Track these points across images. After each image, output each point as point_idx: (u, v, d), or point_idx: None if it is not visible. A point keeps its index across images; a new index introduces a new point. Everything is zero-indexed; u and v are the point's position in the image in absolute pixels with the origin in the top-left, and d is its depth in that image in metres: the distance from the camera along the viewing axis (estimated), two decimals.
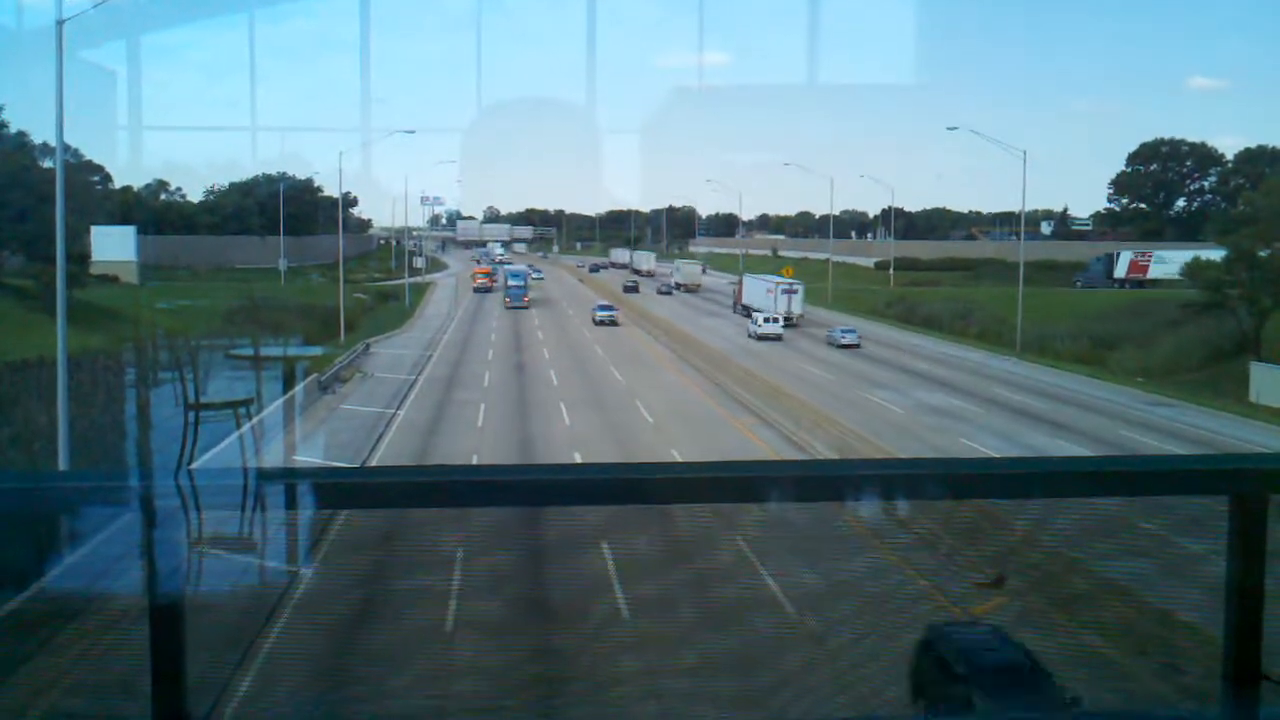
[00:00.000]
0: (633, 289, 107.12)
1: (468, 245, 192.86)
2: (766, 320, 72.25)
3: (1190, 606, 3.85)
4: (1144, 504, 3.33)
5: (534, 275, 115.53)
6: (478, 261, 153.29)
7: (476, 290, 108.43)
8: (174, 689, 2.78)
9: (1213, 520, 3.10)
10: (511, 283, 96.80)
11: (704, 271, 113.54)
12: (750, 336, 70.94)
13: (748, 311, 78.67)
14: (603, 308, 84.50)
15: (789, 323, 74.31)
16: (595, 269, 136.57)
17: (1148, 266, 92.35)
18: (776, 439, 41.58)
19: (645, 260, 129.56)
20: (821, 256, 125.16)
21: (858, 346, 66.99)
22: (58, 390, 29.91)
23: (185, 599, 2.82)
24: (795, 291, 78.95)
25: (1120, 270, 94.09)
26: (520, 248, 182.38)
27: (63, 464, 28.98)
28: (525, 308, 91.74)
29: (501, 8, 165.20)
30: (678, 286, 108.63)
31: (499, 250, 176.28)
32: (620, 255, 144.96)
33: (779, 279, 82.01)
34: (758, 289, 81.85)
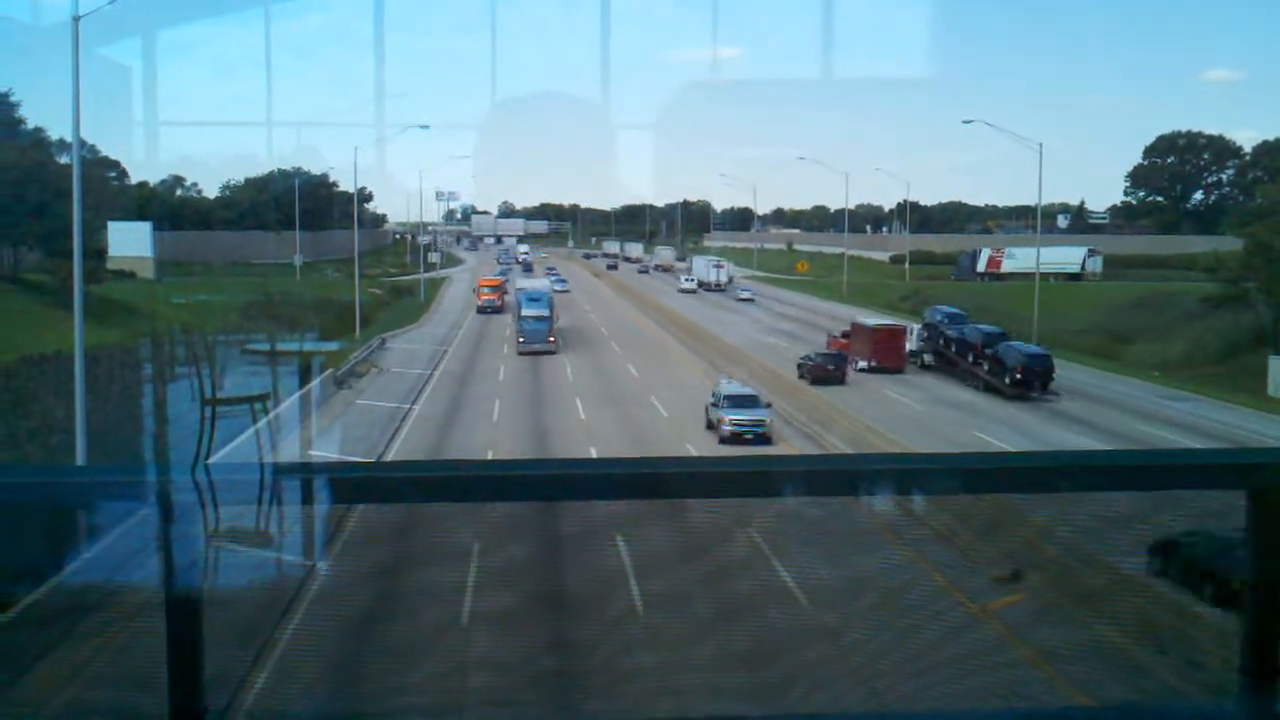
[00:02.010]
0: (614, 268, 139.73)
1: (481, 240, 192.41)
2: (686, 281, 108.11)
3: (1208, 601, 3.84)
4: (1161, 499, 3.32)
5: (558, 287, 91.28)
6: (498, 262, 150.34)
7: (481, 310, 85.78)
8: (191, 682, 2.79)
9: (1230, 515, 3.09)
10: (529, 312, 64.63)
11: (676, 257, 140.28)
12: (679, 291, 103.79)
13: (699, 281, 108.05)
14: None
15: (716, 288, 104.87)
16: (611, 266, 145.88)
17: (1001, 261, 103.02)
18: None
19: (634, 250, 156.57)
20: (837, 251, 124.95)
21: (752, 300, 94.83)
22: (75, 385, 30.03)
23: (202, 593, 2.84)
24: (722, 267, 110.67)
25: (981, 265, 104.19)
26: (523, 247, 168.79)
27: (80, 458, 29.10)
28: (551, 350, 62.43)
29: (515, 3, 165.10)
30: (656, 267, 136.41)
31: (522, 250, 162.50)
32: (611, 247, 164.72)
33: (713, 259, 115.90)
34: (701, 264, 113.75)
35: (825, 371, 50.46)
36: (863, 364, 54.41)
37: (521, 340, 63.37)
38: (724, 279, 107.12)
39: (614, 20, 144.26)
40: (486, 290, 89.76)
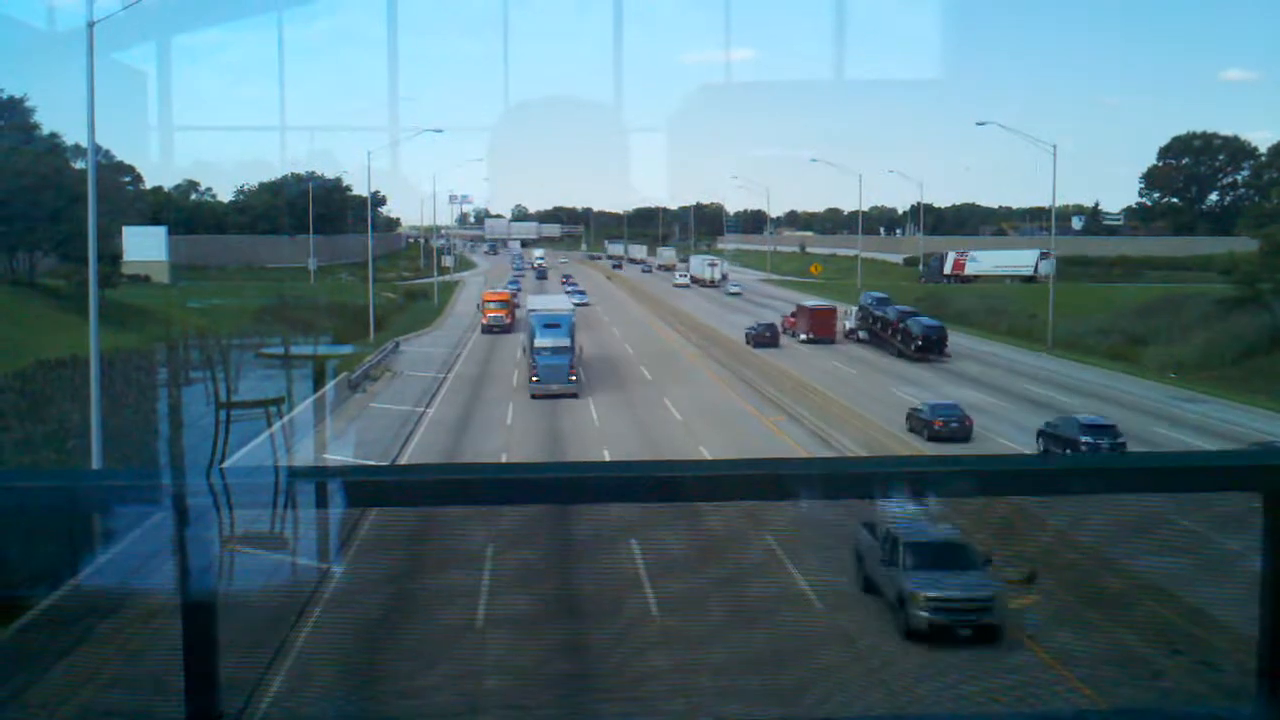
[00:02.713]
0: (618, 266, 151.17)
1: (501, 244, 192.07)
2: (680, 277, 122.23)
3: (1224, 604, 3.82)
4: (1176, 501, 3.30)
5: (577, 298, 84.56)
6: (514, 265, 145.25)
7: (488, 329, 74.41)
8: (207, 686, 2.79)
9: (1247, 517, 3.07)
10: (545, 342, 51.60)
11: (678, 258, 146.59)
12: (674, 285, 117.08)
13: (693, 277, 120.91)
14: None
15: (710, 284, 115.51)
16: (616, 265, 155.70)
17: (965, 264, 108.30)
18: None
19: (638, 252, 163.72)
20: (850, 253, 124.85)
21: (739, 294, 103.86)
22: (91, 389, 30.13)
23: (218, 596, 2.84)
24: (716, 265, 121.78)
25: (947, 268, 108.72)
26: (538, 252, 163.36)
27: (96, 462, 29.19)
28: (573, 393, 50.08)
29: (528, 6, 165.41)
30: (659, 267, 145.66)
31: (537, 255, 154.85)
32: (616, 249, 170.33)
33: (709, 258, 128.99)
34: (697, 263, 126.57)
35: (764, 338, 66.38)
36: (804, 336, 69.83)
37: (535, 379, 50.66)
38: (718, 276, 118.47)
39: (626, 23, 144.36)
40: (493, 306, 77.11)
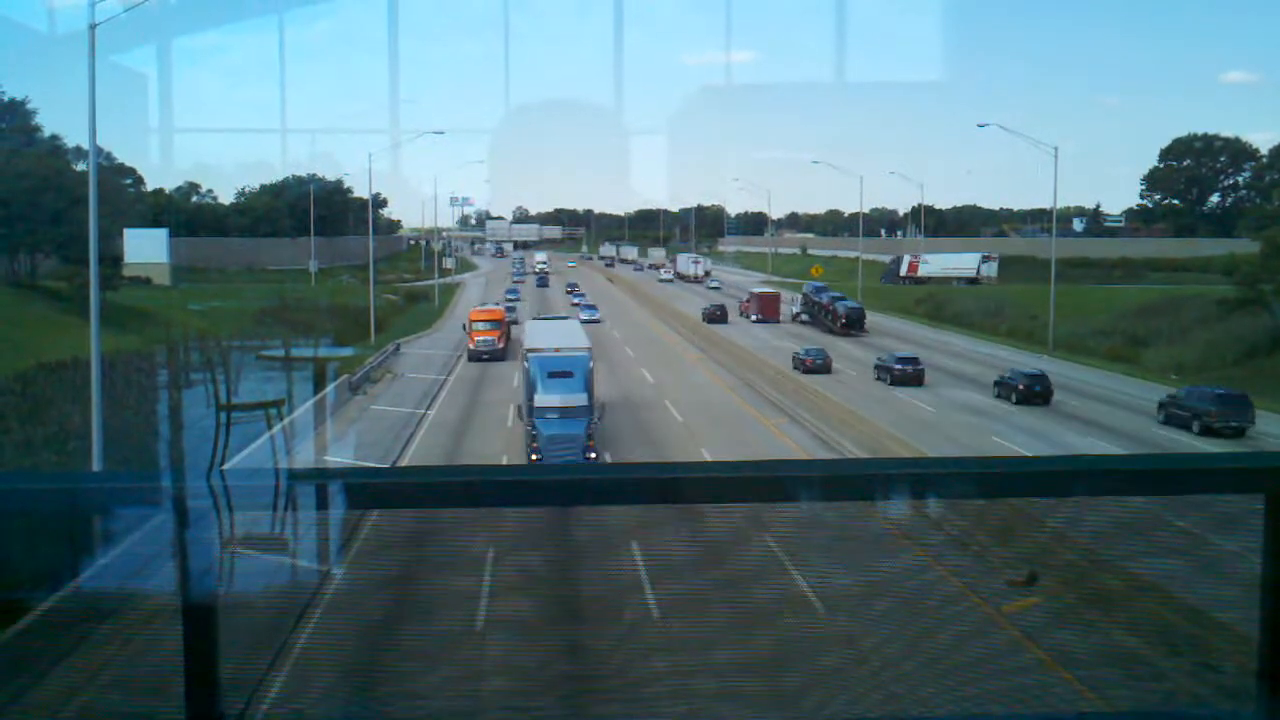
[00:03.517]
0: (610, 265, 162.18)
1: (503, 247, 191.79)
2: (664, 273, 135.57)
3: (1226, 605, 3.82)
4: (1178, 502, 3.30)
5: (587, 314, 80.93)
6: (512, 269, 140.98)
7: (475, 356, 61.28)
8: (207, 688, 2.80)
9: (1248, 519, 3.07)
10: (550, 399, 37.71)
11: (667, 257, 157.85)
12: (659, 281, 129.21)
13: (678, 273, 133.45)
14: None
15: (695, 279, 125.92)
16: (609, 264, 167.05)
17: (918, 266, 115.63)
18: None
19: (631, 252, 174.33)
20: (851, 254, 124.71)
21: (719, 289, 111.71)
22: (92, 391, 30.14)
23: (218, 598, 2.84)
24: (699, 263, 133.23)
25: (903, 270, 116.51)
26: (540, 255, 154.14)
27: (96, 464, 29.19)
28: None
29: (528, 9, 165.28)
30: (649, 266, 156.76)
31: (540, 260, 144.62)
32: (609, 250, 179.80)
33: (692, 255, 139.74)
34: (683, 260, 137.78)
35: (715, 316, 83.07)
36: (755, 316, 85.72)
37: (537, 457, 36.05)
38: (701, 272, 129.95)
39: (627, 25, 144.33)
40: (482, 327, 62.96)
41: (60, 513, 3.23)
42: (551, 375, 38.00)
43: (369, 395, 50.68)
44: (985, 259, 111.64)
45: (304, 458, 36.05)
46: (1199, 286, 76.85)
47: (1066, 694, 4.70)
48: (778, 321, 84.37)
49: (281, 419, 38.64)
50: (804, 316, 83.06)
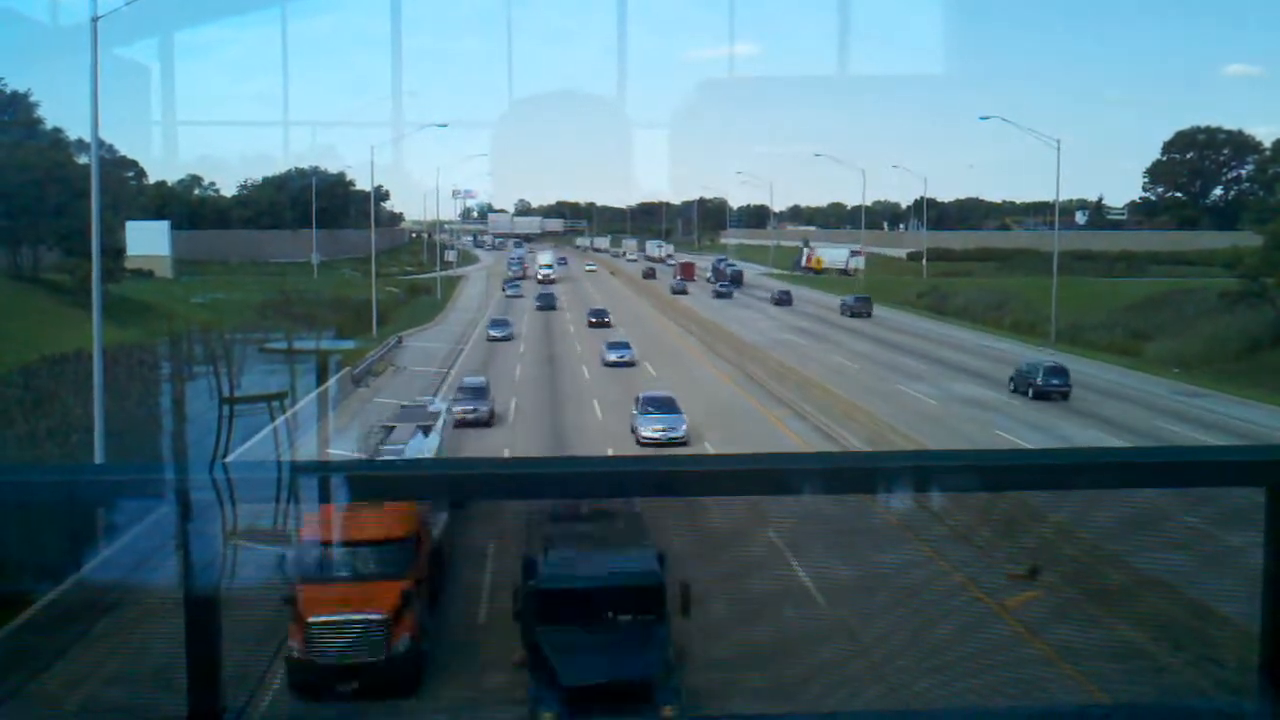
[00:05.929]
0: (598, 252, 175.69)
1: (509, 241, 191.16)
2: (630, 256, 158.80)
3: (1227, 599, 3.83)
4: (1179, 496, 3.30)
5: (614, 356, 55.42)
6: (510, 268, 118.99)
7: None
8: (210, 681, 2.80)
9: (1250, 512, 3.07)
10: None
11: (661, 250, 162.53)
12: (626, 260, 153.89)
13: (647, 256, 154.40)
14: None
15: (660, 260, 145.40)
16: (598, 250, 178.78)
17: (813, 258, 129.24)
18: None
19: (628, 245, 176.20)
20: (854, 247, 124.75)
21: (671, 264, 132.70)
22: (94, 384, 30.13)
23: (220, 592, 2.84)
24: (663, 247, 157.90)
25: (803, 262, 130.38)
26: (545, 256, 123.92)
27: (99, 457, 29.21)
28: None
29: (531, 2, 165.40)
30: (624, 255, 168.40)
31: (544, 263, 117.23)
32: (601, 242, 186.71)
33: (658, 241, 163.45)
34: (651, 246, 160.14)
35: (649, 274, 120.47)
36: (678, 277, 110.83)
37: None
38: (664, 255, 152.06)
39: (630, 19, 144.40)
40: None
41: (62, 506, 3.23)
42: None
43: (371, 388, 50.67)
44: (853, 254, 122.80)
45: (306, 451, 36.06)
46: (1202, 280, 76.73)
47: (1068, 687, 4.71)
48: (693, 281, 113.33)
49: (284, 412, 38.64)
50: (709, 278, 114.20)
